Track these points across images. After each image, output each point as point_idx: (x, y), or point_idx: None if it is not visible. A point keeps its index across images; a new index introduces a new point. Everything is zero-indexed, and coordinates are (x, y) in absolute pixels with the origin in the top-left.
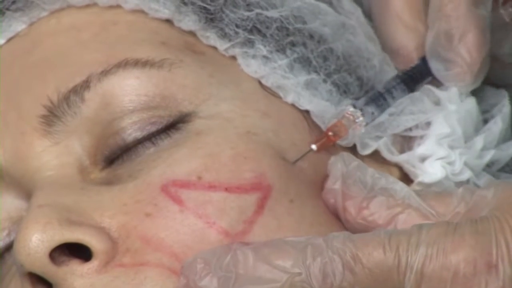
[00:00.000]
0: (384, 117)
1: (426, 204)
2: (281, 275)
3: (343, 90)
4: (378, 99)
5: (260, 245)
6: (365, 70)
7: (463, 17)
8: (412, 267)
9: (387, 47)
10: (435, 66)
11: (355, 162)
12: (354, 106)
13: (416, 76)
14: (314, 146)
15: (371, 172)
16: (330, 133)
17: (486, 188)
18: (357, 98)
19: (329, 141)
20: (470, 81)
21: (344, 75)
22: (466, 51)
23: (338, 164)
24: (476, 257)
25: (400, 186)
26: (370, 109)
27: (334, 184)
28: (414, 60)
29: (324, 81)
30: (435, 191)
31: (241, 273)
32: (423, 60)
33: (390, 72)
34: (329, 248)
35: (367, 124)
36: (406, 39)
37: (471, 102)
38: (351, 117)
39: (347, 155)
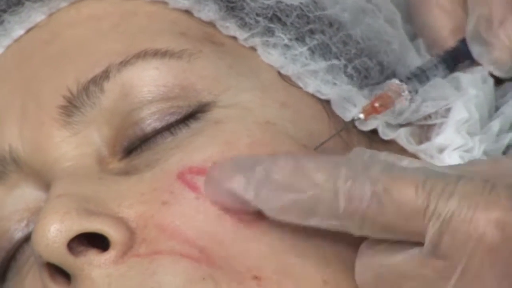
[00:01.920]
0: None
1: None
2: (311, 188)
3: (364, 75)
4: (421, 76)
5: (301, 156)
6: (385, 54)
7: (503, 3)
8: (440, 214)
9: (424, 31)
10: (475, 49)
11: (367, 152)
12: (400, 80)
13: (457, 56)
14: (361, 115)
15: (383, 156)
16: (376, 104)
17: None
18: (378, 83)
19: (375, 112)
20: (508, 65)
21: (364, 60)
22: (505, 35)
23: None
24: (506, 222)
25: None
26: (413, 84)
27: None
28: (451, 42)
29: (345, 66)
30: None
31: (275, 178)
32: (463, 42)
33: (415, 57)
34: (364, 174)
35: (411, 98)
36: (444, 21)
37: (489, 86)
38: (397, 90)
39: (359, 149)
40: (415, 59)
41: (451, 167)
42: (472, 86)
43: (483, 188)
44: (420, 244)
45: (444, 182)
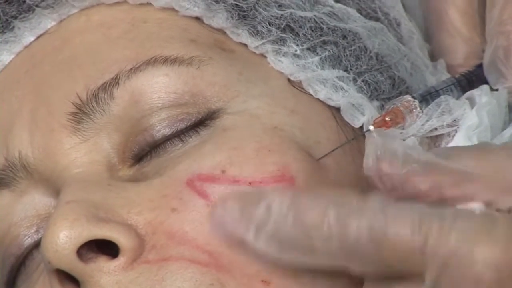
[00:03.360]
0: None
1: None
2: (308, 229)
3: (374, 87)
4: (433, 96)
5: (300, 194)
6: (396, 70)
7: None
8: (438, 255)
9: (440, 54)
10: (491, 77)
11: (387, 139)
12: (413, 97)
13: (472, 80)
14: (371, 127)
15: (402, 147)
16: (387, 118)
17: None
18: (389, 98)
19: (384, 125)
20: None
21: (375, 74)
22: None
23: (372, 146)
24: (503, 264)
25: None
26: (426, 103)
27: (369, 170)
28: (465, 67)
29: (354, 79)
30: (475, 148)
31: (274, 219)
32: (480, 68)
33: (429, 76)
34: (360, 213)
35: (421, 115)
36: (460, 46)
37: (503, 98)
38: (409, 106)
39: (379, 133)
40: (430, 78)
41: (437, 155)
42: (484, 95)
43: (482, 226)
44: (420, 279)
45: (440, 221)
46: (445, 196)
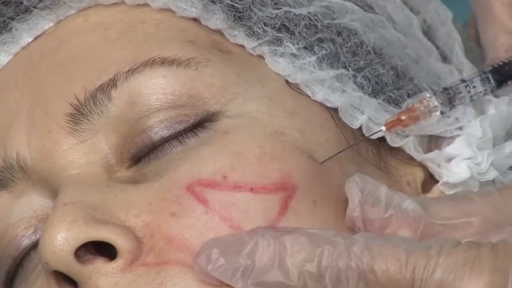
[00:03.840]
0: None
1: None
2: (296, 275)
3: (375, 82)
4: (457, 88)
5: (282, 235)
6: (399, 59)
7: None
8: None
9: (484, 49)
10: None
11: (369, 184)
12: (434, 93)
13: (505, 71)
14: (383, 128)
15: (384, 191)
16: (402, 117)
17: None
18: (396, 88)
19: (400, 125)
20: None
21: (375, 68)
22: None
23: (354, 190)
24: None
25: (408, 203)
26: (448, 96)
27: (354, 212)
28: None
29: (354, 76)
30: (453, 198)
31: (258, 265)
32: None
33: (433, 61)
34: (348, 254)
35: (443, 112)
36: (504, 38)
37: (510, 108)
38: (427, 103)
39: (360, 177)
40: (435, 64)
41: (417, 202)
42: (493, 106)
43: (466, 259)
44: None
45: (426, 257)
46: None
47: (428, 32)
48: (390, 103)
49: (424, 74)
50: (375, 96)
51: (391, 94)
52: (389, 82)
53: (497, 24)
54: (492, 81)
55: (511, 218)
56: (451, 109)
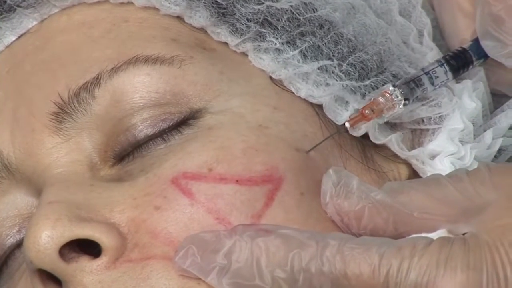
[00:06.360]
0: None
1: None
2: (270, 278)
3: (361, 67)
4: (419, 79)
5: (260, 236)
6: (381, 44)
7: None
8: None
9: (445, 35)
10: (488, 48)
11: (343, 177)
12: (394, 86)
13: (461, 58)
14: (347, 124)
15: (356, 183)
16: (366, 111)
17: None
18: (381, 72)
19: (364, 119)
20: None
21: (359, 55)
22: None
23: (328, 185)
24: None
25: (375, 194)
26: (409, 87)
27: (326, 207)
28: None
29: (340, 65)
30: (425, 182)
31: (235, 266)
32: (476, 42)
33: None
34: (320, 258)
35: (405, 104)
36: (463, 26)
37: (481, 92)
38: (389, 96)
39: (334, 170)
40: (415, 45)
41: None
42: (467, 96)
43: (438, 259)
44: None
45: (399, 258)
46: (399, 231)
47: (403, 16)
48: (374, 89)
49: (406, 56)
50: (362, 81)
51: (374, 81)
52: (374, 67)
53: (456, 7)
54: (449, 70)
55: (480, 206)
56: (413, 100)
